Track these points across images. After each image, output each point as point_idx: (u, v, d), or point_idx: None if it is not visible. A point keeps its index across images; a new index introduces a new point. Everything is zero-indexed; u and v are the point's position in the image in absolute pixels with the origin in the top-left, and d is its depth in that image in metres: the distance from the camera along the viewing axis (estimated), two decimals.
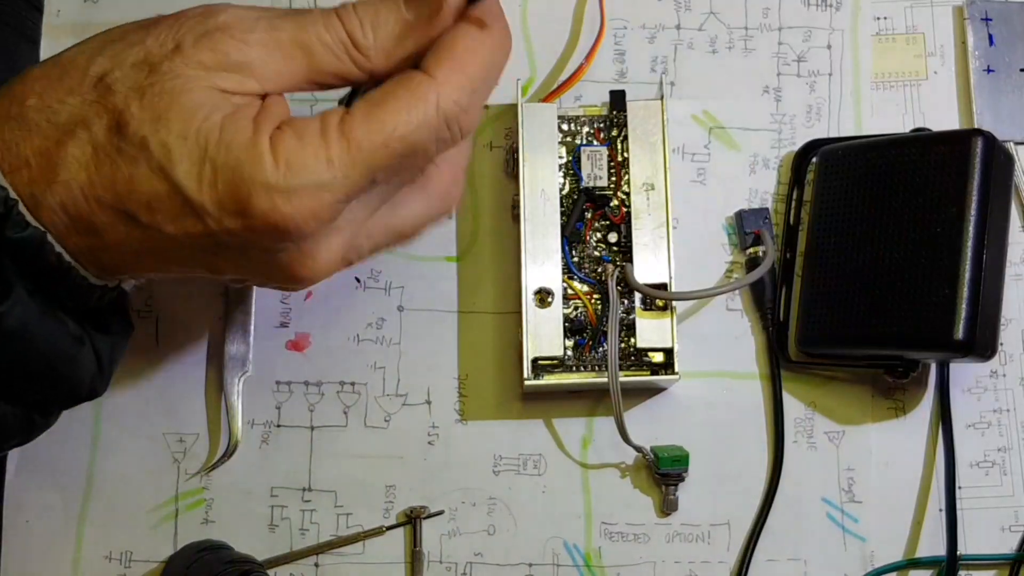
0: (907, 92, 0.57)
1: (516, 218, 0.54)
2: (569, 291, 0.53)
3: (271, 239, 0.37)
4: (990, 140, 0.50)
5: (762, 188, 0.57)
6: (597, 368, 0.53)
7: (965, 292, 0.48)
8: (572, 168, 0.54)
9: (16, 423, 0.40)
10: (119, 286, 0.41)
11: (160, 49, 0.36)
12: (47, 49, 0.57)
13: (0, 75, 0.38)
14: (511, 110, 0.55)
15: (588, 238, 0.54)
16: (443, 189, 0.42)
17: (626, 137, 0.54)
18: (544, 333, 0.52)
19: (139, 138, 0.35)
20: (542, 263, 0.52)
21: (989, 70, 0.57)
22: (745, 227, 0.55)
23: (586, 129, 0.55)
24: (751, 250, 0.55)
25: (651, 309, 0.53)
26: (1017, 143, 0.56)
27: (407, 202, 0.41)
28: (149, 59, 0.36)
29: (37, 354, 0.38)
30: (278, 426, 0.54)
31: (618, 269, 0.53)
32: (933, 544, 0.53)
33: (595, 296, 0.53)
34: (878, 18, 0.58)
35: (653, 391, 0.55)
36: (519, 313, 0.52)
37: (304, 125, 0.36)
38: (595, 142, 0.54)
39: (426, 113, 0.36)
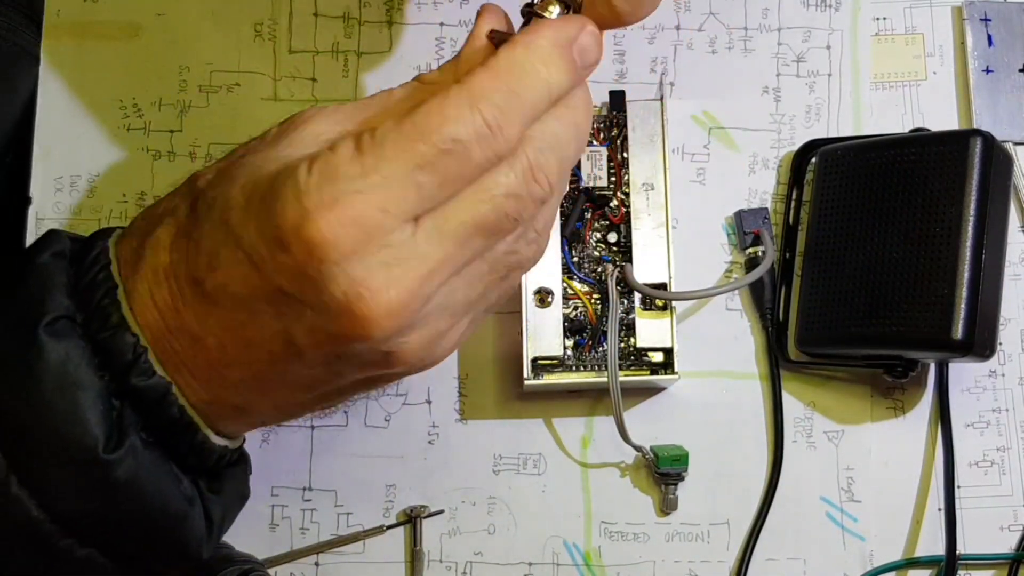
0: (906, 92, 0.58)
1: None
2: (569, 291, 0.53)
3: (313, 270, 0.33)
4: (989, 140, 0.50)
5: (761, 188, 0.57)
6: (597, 368, 0.53)
7: (964, 292, 0.48)
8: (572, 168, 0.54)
9: None
10: (240, 449, 0.41)
11: (247, 143, 0.38)
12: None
13: None
14: None
15: (588, 238, 0.54)
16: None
17: (626, 137, 0.54)
18: (544, 333, 0.52)
19: (208, 199, 0.36)
20: (542, 263, 0.52)
21: (988, 70, 0.57)
22: (744, 227, 0.55)
23: None
24: (750, 250, 0.55)
25: (651, 309, 0.53)
26: (1016, 143, 0.56)
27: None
28: (235, 152, 0.38)
29: (146, 509, 0.37)
30: (278, 425, 0.54)
31: (618, 269, 0.53)
32: (932, 543, 0.53)
33: (595, 296, 0.53)
34: (877, 18, 0.58)
35: (653, 391, 0.55)
36: (519, 313, 0.52)
37: (340, 139, 0.35)
38: (595, 142, 0.54)
39: (459, 110, 0.34)
